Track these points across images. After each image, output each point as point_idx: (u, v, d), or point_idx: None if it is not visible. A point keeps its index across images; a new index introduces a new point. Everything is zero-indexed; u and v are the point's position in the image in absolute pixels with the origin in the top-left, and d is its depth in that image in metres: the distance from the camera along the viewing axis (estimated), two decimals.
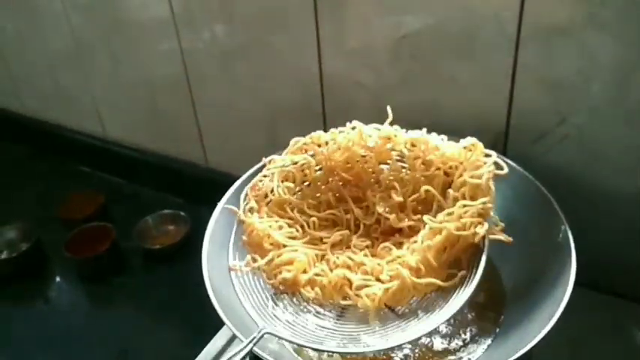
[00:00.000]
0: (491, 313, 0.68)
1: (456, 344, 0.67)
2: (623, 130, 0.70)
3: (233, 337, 0.82)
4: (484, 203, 0.58)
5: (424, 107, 0.80)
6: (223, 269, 0.65)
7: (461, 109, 0.78)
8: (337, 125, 0.86)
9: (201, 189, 1.08)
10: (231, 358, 0.53)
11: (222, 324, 0.78)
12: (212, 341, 0.82)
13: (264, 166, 0.71)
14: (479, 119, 0.77)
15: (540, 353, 0.64)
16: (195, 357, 0.81)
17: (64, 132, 1.30)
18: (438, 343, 0.67)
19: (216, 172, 1.10)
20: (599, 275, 0.74)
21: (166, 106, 1.09)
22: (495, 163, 0.61)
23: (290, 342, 0.57)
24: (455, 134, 0.72)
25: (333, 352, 0.57)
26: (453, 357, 0.65)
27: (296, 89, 0.90)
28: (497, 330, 0.66)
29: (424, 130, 0.66)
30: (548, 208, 0.67)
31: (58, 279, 1.06)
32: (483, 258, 0.57)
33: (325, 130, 0.88)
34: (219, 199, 0.71)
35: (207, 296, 0.61)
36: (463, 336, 0.67)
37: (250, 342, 0.54)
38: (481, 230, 0.57)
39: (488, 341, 0.66)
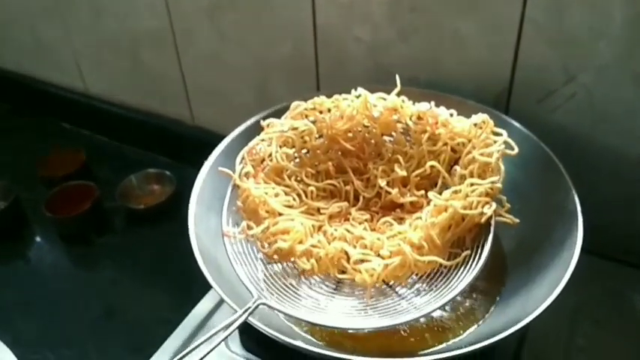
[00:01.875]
0: (491, 280, 0.67)
1: (454, 314, 0.65)
2: (631, 91, 0.68)
3: (221, 301, 0.80)
4: (493, 182, 0.58)
5: (423, 63, 0.78)
6: (210, 232, 0.63)
7: (462, 65, 0.76)
8: (331, 82, 0.88)
9: (187, 148, 1.07)
10: (223, 329, 0.52)
11: (209, 286, 0.78)
12: (199, 304, 0.81)
13: (254, 125, 0.70)
14: (481, 76, 0.75)
15: (539, 320, 0.62)
16: (182, 320, 0.79)
17: (44, 87, 1.27)
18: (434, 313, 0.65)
19: (203, 130, 1.09)
20: (600, 241, 0.72)
21: (151, 60, 1.07)
22: (505, 142, 0.60)
23: (284, 314, 0.56)
24: (455, 92, 0.73)
25: (328, 327, 0.56)
26: (450, 327, 0.64)
27: (288, 43, 0.88)
28: (498, 298, 0.65)
29: (432, 103, 0.65)
30: (553, 170, 0.66)
31: (38, 239, 1.03)
32: (489, 239, 0.57)
33: (319, 88, 0.90)
34: (205, 159, 0.70)
35: (194, 258, 0.60)
36: (462, 305, 0.66)
37: (244, 313, 0.53)
38: (488, 210, 0.57)
39: (490, 310, 0.65)
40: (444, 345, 0.60)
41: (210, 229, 0.64)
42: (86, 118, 1.24)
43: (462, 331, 0.62)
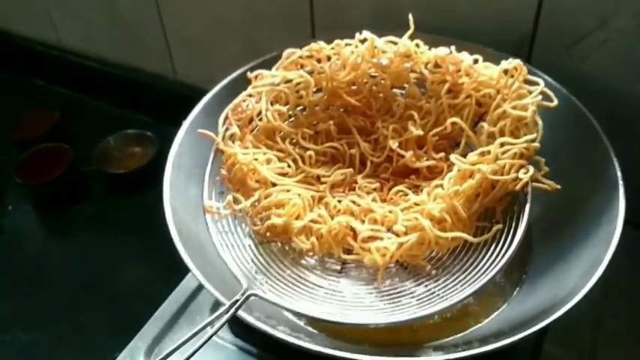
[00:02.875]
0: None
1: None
2: None
3: None
4: (529, 142, 0.52)
5: (434, 6, 0.73)
6: (191, 204, 0.58)
7: (479, 7, 0.71)
8: (328, 29, 0.82)
9: (169, 105, 1.00)
10: (210, 325, 0.47)
11: None
12: (184, 280, 0.75)
13: (240, 78, 0.65)
14: (500, 19, 0.70)
15: None
16: (167, 297, 0.74)
17: (14, 39, 1.23)
18: None
19: (186, 85, 1.06)
20: (631, 207, 0.66)
21: (127, 8, 1.02)
22: (542, 93, 0.55)
23: (280, 306, 0.51)
24: (471, 38, 0.68)
25: (329, 322, 0.50)
26: (469, 312, 0.58)
27: None
28: (524, 277, 0.59)
29: (453, 47, 0.59)
30: (586, 129, 0.61)
31: (10, 207, 1.01)
32: (526, 210, 0.51)
33: (314, 36, 0.84)
34: None
35: None
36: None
37: (231, 307, 0.48)
38: (525, 176, 0.51)
39: (513, 292, 0.59)
40: (463, 334, 0.55)
41: (190, 201, 0.59)
42: (60, 73, 1.21)
43: (482, 318, 0.56)
